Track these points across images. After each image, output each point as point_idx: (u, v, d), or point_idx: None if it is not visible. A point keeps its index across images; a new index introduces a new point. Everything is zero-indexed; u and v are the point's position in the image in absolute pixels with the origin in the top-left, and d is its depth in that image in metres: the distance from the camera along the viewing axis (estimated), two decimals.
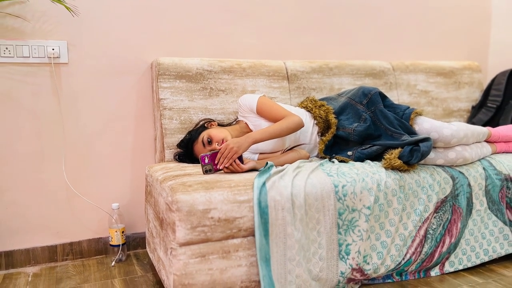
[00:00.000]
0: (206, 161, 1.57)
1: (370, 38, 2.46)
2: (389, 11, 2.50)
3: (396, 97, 2.36)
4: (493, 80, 2.47)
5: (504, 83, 2.38)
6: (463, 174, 1.73)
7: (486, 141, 1.93)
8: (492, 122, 2.35)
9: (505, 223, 1.80)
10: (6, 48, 1.77)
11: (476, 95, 2.56)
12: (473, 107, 2.51)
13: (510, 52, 2.66)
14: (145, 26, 1.99)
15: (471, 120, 2.45)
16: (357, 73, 2.29)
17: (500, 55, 2.72)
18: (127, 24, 1.95)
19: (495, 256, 1.79)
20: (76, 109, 1.91)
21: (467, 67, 2.58)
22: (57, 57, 1.84)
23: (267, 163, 1.59)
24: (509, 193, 1.81)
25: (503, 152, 1.95)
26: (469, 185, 1.73)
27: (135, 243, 2.05)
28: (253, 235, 1.41)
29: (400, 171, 1.64)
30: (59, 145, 1.89)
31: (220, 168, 1.57)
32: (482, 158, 1.85)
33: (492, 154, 1.92)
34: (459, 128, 1.72)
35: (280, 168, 1.57)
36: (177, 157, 1.85)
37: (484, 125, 2.37)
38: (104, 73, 1.94)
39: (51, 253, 1.91)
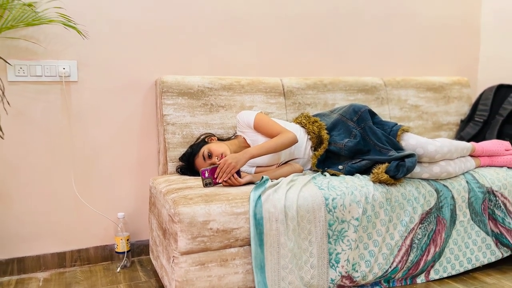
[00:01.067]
0: (206, 175, 1.69)
1: (363, 56, 2.59)
2: (380, 29, 2.62)
3: (388, 111, 2.48)
4: (480, 95, 2.59)
5: (491, 98, 2.50)
6: (447, 187, 1.85)
7: (471, 155, 2.05)
8: (479, 135, 2.46)
9: (487, 233, 1.91)
10: (21, 68, 1.90)
11: (465, 109, 2.67)
12: (461, 121, 2.62)
13: (498, 67, 2.78)
14: (150, 46, 2.11)
15: (459, 133, 2.57)
16: (350, 89, 2.41)
17: (489, 70, 2.84)
18: (132, 44, 2.08)
19: (478, 264, 1.90)
20: (85, 124, 2.03)
21: (457, 82, 2.70)
22: (68, 76, 1.97)
23: (262, 177, 1.71)
24: (491, 205, 1.92)
25: (487, 166, 2.07)
26: (452, 197, 1.85)
27: (139, 250, 2.17)
28: (249, 245, 1.53)
29: (387, 184, 1.76)
30: (69, 157, 2.02)
31: (219, 181, 1.69)
32: (466, 172, 1.97)
33: (476, 167, 2.03)
34: (443, 144, 1.83)
35: (274, 182, 1.69)
36: (179, 170, 1.97)
37: (472, 138, 2.48)
38: (111, 91, 2.06)
39: (60, 260, 2.03)
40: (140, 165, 2.15)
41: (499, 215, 1.93)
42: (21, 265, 1.97)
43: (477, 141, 2.42)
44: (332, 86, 2.38)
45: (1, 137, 1.80)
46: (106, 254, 2.10)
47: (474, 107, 2.59)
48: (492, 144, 2.07)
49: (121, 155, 2.11)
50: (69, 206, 2.04)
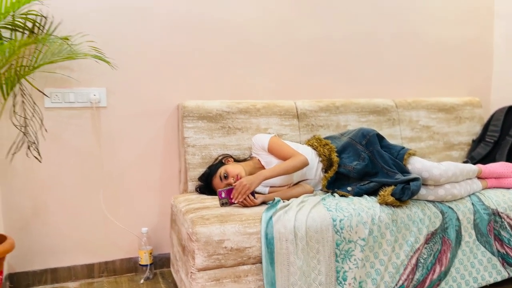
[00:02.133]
0: (223, 195, 1.83)
1: (374, 78, 2.69)
2: (391, 51, 2.72)
3: (399, 132, 2.57)
4: (492, 116, 2.65)
5: (502, 119, 2.56)
6: (452, 209, 1.93)
7: (478, 177, 2.12)
8: (490, 156, 2.52)
9: (493, 253, 1.98)
10: (56, 95, 2.09)
11: (476, 129, 2.73)
12: (473, 141, 2.68)
13: (511, 88, 2.83)
14: (172, 73, 2.28)
15: (470, 153, 2.63)
16: (362, 110, 2.52)
17: (502, 90, 2.89)
18: (156, 72, 2.25)
19: (484, 283, 1.97)
20: (113, 146, 2.21)
21: (468, 103, 2.77)
22: (98, 102, 2.15)
23: (274, 199, 1.83)
24: (496, 226, 1.99)
25: (494, 188, 2.13)
26: (458, 219, 1.92)
27: (161, 263, 2.32)
28: (261, 263, 1.65)
29: (393, 206, 1.85)
30: (98, 176, 2.19)
31: (235, 202, 1.83)
32: (472, 194, 2.04)
33: (482, 189, 2.10)
34: (448, 168, 1.92)
35: (285, 203, 1.81)
36: (198, 189, 2.12)
37: (483, 158, 2.54)
38: (137, 115, 2.24)
39: (89, 271, 2.20)
40: (162, 184, 2.31)
41: (505, 236, 2.00)
42: (54, 275, 2.15)
43: (488, 161, 2.48)
44: (344, 108, 2.49)
45: (39, 161, 2.00)
46: (130, 266, 2.26)
47: (485, 128, 2.65)
48: (499, 166, 2.13)
49: (145, 174, 2.27)
50: (98, 221, 2.21)
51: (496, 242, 1.99)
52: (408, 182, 1.86)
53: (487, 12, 2.95)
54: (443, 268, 1.90)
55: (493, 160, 2.47)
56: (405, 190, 1.84)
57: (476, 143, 2.65)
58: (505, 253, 1.99)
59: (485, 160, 2.52)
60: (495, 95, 2.94)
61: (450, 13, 2.85)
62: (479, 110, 2.78)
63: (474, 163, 2.53)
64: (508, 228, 2.00)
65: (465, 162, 2.60)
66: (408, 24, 2.75)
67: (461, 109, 2.74)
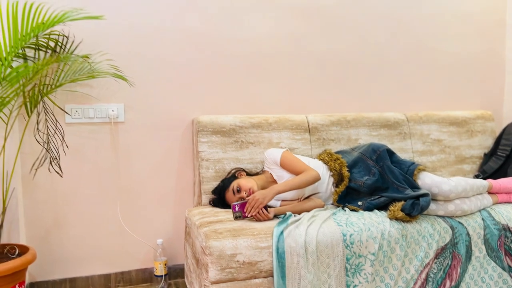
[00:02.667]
0: (237, 209, 1.88)
1: (385, 92, 2.73)
2: (403, 66, 2.76)
3: (410, 146, 2.60)
4: (504, 130, 2.65)
5: None
6: (462, 224, 1.95)
7: (488, 192, 2.13)
8: (502, 170, 2.53)
9: (503, 269, 1.99)
10: (76, 111, 2.18)
11: (488, 143, 2.74)
12: (485, 154, 2.69)
13: None
14: (187, 89, 2.36)
15: (482, 167, 2.64)
16: (373, 124, 2.55)
17: None
18: (172, 88, 2.33)
19: None
20: (130, 159, 2.29)
21: (480, 116, 2.78)
22: (116, 117, 2.23)
23: (286, 213, 1.88)
24: (507, 241, 2.00)
25: (504, 203, 2.14)
26: (468, 234, 1.94)
27: (175, 273, 2.38)
28: (272, 276, 1.70)
29: (403, 221, 1.88)
30: (115, 189, 2.27)
31: (248, 216, 1.88)
32: (483, 209, 2.05)
33: (493, 204, 2.11)
34: (458, 183, 1.94)
35: (296, 217, 1.86)
36: (211, 202, 2.17)
37: (494, 172, 2.54)
38: (153, 129, 2.31)
39: (106, 280, 2.28)
40: (177, 196, 2.37)
41: None
42: (72, 284, 2.23)
43: (500, 175, 2.48)
44: (355, 122, 2.53)
45: (60, 176, 2.08)
46: (146, 277, 2.33)
47: (497, 142, 2.65)
48: (510, 181, 2.14)
49: (160, 187, 2.34)
50: (115, 233, 2.28)
51: (507, 257, 2.00)
52: (418, 197, 1.89)
53: (498, 25, 2.97)
54: (453, 283, 1.92)
55: (505, 174, 2.48)
56: (415, 206, 1.86)
57: (488, 157, 2.65)
58: None
59: (497, 174, 2.53)
60: (508, 108, 2.94)
61: (462, 27, 2.88)
62: (491, 123, 2.79)
63: (486, 177, 2.55)
64: None
65: (476, 175, 2.61)
66: (419, 39, 2.78)
67: (472, 122, 2.75)
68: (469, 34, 2.90)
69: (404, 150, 2.57)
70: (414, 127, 2.63)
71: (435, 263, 1.90)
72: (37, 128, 2.03)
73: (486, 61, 2.94)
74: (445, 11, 2.83)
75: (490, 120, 2.79)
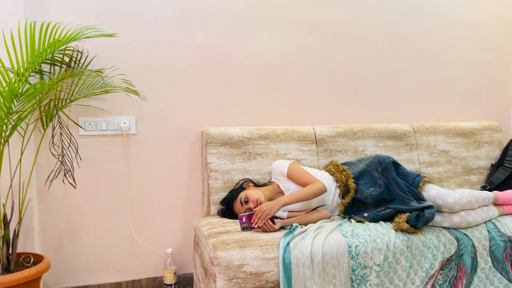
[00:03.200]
0: (244, 220, 1.93)
1: (392, 103, 2.76)
2: (409, 77, 2.79)
3: (417, 157, 2.62)
4: (510, 141, 2.66)
5: None
6: (467, 236, 1.96)
7: (495, 203, 2.15)
8: (508, 181, 2.53)
9: (509, 280, 2.00)
10: (90, 124, 2.25)
11: (496, 154, 2.75)
12: (492, 165, 2.70)
13: None
14: (196, 102, 2.42)
15: (489, 178, 2.65)
16: (380, 136, 2.58)
17: None
18: (182, 101, 2.39)
19: None
20: (141, 170, 2.35)
21: (487, 127, 2.79)
22: (128, 129, 2.30)
23: (292, 224, 1.92)
24: None
25: (510, 214, 2.15)
26: (473, 245, 1.96)
27: (184, 282, 2.43)
28: (279, 287, 1.74)
29: (408, 233, 1.91)
30: (127, 199, 2.33)
31: (255, 227, 1.92)
32: (488, 220, 2.07)
33: (499, 216, 2.13)
34: (463, 195, 1.96)
35: (303, 228, 1.90)
36: (219, 213, 2.22)
37: (501, 183, 2.55)
38: (164, 141, 2.38)
39: None
40: (186, 206, 2.43)
41: None
42: None
43: (506, 186, 2.49)
44: (362, 133, 2.56)
45: (74, 187, 2.15)
46: (156, 285, 2.38)
47: (504, 153, 2.66)
48: None
49: (170, 197, 2.40)
50: (126, 242, 2.34)
51: None
52: (423, 209, 1.92)
53: (506, 37, 2.98)
54: None
55: (511, 186, 2.49)
56: (420, 217, 1.89)
57: (495, 168, 2.66)
58: None
59: (503, 185, 2.54)
60: None
61: (469, 38, 2.91)
62: (498, 134, 2.80)
63: (493, 188, 2.56)
64: None
65: (483, 186, 2.62)
66: (425, 50, 2.82)
67: (479, 133, 2.77)
68: (476, 46, 2.92)
69: (410, 161, 2.60)
70: (421, 138, 2.66)
71: (441, 274, 1.92)
72: (53, 142, 2.10)
73: (493, 72, 2.96)
74: (452, 23, 2.87)
75: (497, 131, 2.81)
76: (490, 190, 2.54)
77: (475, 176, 2.70)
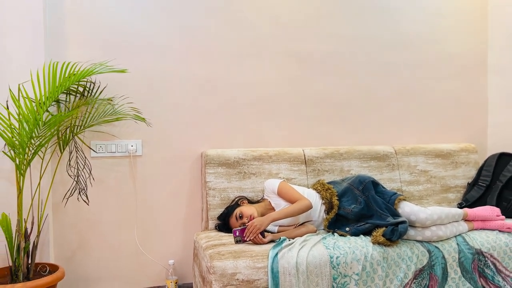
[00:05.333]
0: (237, 234, 2.16)
1: (375, 127, 3.02)
2: (392, 104, 3.05)
3: (398, 176, 2.86)
4: (485, 162, 2.90)
5: (493, 165, 2.81)
6: (438, 248, 2.19)
7: (465, 219, 2.37)
8: (482, 199, 2.76)
9: None
10: (100, 147, 2.51)
11: (472, 173, 2.99)
12: (468, 184, 2.93)
13: (505, 135, 3.09)
14: (196, 127, 2.68)
15: (465, 196, 2.88)
16: (364, 157, 2.83)
17: (497, 137, 3.15)
18: (184, 125, 2.65)
19: None
20: (146, 189, 2.60)
21: (464, 149, 3.03)
22: (135, 151, 2.56)
23: (280, 238, 2.15)
24: (480, 264, 2.23)
25: (480, 229, 2.38)
26: (443, 257, 2.18)
27: None
28: None
29: (384, 245, 2.14)
30: (133, 215, 2.57)
31: (247, 240, 2.15)
32: (458, 235, 2.30)
33: (469, 231, 2.35)
34: (433, 212, 2.20)
35: (290, 241, 2.13)
36: (216, 227, 2.46)
37: (476, 200, 2.78)
38: (167, 162, 2.63)
39: None
40: (187, 221, 2.67)
41: (488, 273, 2.23)
42: None
43: (480, 203, 2.72)
44: (347, 155, 2.81)
45: (87, 204, 2.40)
46: None
47: (479, 172, 2.90)
48: (484, 210, 2.39)
49: (172, 213, 2.64)
50: (132, 254, 2.57)
51: (481, 279, 2.23)
52: (397, 224, 2.15)
53: (480, 65, 3.25)
54: None
55: (485, 203, 2.72)
56: (395, 232, 2.12)
57: (471, 186, 2.89)
58: None
59: (478, 202, 2.77)
60: (491, 141, 3.20)
61: (445, 67, 3.17)
62: (474, 155, 3.04)
63: (469, 205, 2.79)
64: (492, 266, 2.24)
65: (460, 203, 2.85)
66: (406, 79, 3.08)
67: (457, 154, 3.01)
68: (452, 74, 3.19)
69: (392, 180, 2.84)
70: (402, 159, 2.90)
71: (414, 283, 2.14)
72: (69, 164, 2.36)
73: (469, 98, 3.22)
74: (429, 54, 3.14)
75: (474, 152, 3.05)
76: (466, 207, 2.77)
77: (452, 194, 2.93)
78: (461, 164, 3.00)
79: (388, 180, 2.83)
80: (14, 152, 2.01)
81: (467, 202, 2.81)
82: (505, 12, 3.13)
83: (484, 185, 2.80)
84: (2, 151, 2.18)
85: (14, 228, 2.12)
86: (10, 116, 2.16)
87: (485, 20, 3.26)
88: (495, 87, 3.19)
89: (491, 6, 3.24)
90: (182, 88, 2.65)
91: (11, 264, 2.07)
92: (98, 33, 2.50)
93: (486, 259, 2.24)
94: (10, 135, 2.00)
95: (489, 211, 2.38)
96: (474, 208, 2.40)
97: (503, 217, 2.39)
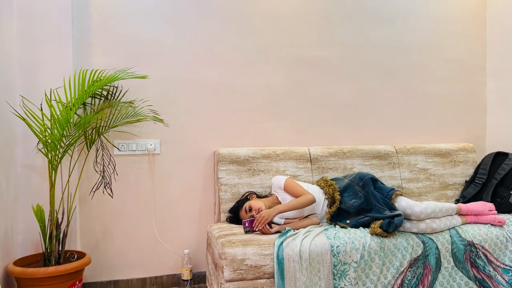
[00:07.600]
0: (247, 225, 2.37)
1: (377, 128, 3.20)
2: (392, 105, 3.23)
3: (399, 174, 3.04)
4: (482, 161, 3.06)
5: (489, 164, 2.97)
6: (432, 240, 2.37)
7: (459, 214, 2.54)
8: (478, 195, 2.92)
9: (469, 278, 2.38)
10: (122, 145, 2.75)
11: (470, 172, 3.15)
12: (466, 182, 3.10)
13: (503, 136, 3.24)
14: (210, 127, 2.90)
15: (463, 192, 3.04)
16: (366, 156, 3.01)
17: (495, 138, 3.31)
18: (199, 126, 2.88)
19: None
20: (164, 184, 2.82)
21: (462, 149, 3.20)
22: (153, 150, 2.79)
23: (286, 228, 2.36)
24: (472, 255, 2.40)
25: (473, 223, 2.55)
26: (437, 248, 2.36)
27: (198, 279, 2.87)
28: (274, 277, 2.17)
29: (381, 236, 2.32)
30: (152, 208, 2.81)
31: (256, 230, 2.36)
32: (452, 228, 2.47)
33: (462, 224, 2.52)
34: (428, 206, 2.38)
35: (294, 232, 2.33)
36: (228, 219, 2.67)
37: (473, 197, 2.94)
38: (183, 159, 2.85)
39: (142, 283, 2.79)
40: (201, 214, 2.89)
41: (480, 264, 2.40)
42: (116, 285, 2.75)
43: (476, 200, 2.88)
44: (350, 153, 3.00)
45: (111, 197, 2.64)
46: (175, 281, 2.83)
47: (476, 171, 3.06)
48: (477, 205, 2.55)
49: (188, 206, 2.86)
50: (150, 244, 2.81)
51: (473, 269, 2.40)
52: (393, 217, 2.33)
53: (480, 69, 3.41)
54: None
55: (481, 199, 2.88)
56: (391, 224, 2.31)
57: (468, 183, 3.06)
58: (481, 278, 2.39)
59: (474, 198, 2.93)
60: (489, 141, 3.35)
61: (446, 71, 3.34)
62: (472, 154, 3.20)
63: (465, 201, 2.95)
64: (483, 257, 2.41)
65: (457, 200, 3.02)
66: (408, 82, 3.26)
67: (455, 154, 3.17)
68: (452, 77, 3.35)
69: (393, 178, 3.02)
70: (402, 157, 3.08)
71: (409, 271, 2.32)
72: (96, 160, 2.61)
73: (468, 101, 3.38)
74: (430, 58, 3.31)
75: (472, 151, 3.21)
76: (464, 203, 2.93)
77: (451, 191, 3.10)
78: (459, 162, 3.16)
79: (389, 178, 3.01)
80: (47, 150, 2.26)
81: (464, 198, 2.97)
82: (503, 18, 3.29)
83: (481, 182, 2.96)
84: (38, 149, 2.43)
85: (47, 218, 2.37)
86: (44, 117, 2.41)
87: (483, 25, 3.42)
88: (493, 90, 3.34)
89: (489, 13, 3.39)
90: (197, 92, 2.88)
91: (44, 251, 2.31)
92: (120, 43, 2.74)
93: (478, 250, 2.41)
94: (44, 135, 2.25)
95: (482, 206, 2.55)
96: (469, 203, 2.57)
97: (495, 211, 2.56)
